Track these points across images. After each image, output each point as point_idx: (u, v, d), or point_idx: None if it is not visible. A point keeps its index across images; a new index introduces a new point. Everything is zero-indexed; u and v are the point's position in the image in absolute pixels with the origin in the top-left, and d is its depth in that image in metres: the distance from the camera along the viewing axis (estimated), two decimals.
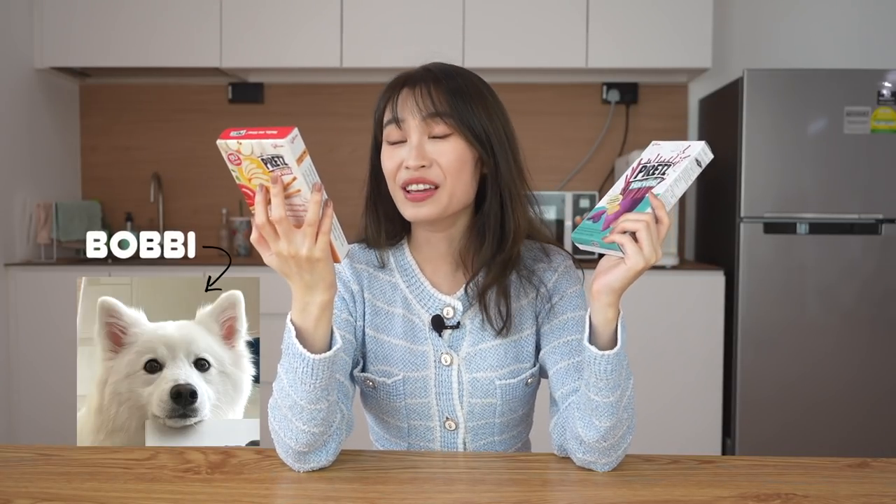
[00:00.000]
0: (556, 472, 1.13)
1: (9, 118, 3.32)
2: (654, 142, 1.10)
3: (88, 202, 3.64)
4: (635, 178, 1.07)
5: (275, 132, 0.93)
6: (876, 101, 3.02)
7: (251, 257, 3.68)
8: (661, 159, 1.06)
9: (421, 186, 1.17)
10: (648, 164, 1.07)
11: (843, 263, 3.07)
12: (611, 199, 1.08)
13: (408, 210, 1.19)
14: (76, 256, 3.60)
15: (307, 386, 1.05)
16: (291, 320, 1.07)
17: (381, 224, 1.27)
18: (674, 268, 3.20)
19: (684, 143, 1.05)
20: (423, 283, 1.26)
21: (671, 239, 3.32)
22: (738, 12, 3.68)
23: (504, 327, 1.23)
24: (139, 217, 3.81)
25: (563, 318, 1.25)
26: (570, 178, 3.74)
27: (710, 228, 3.54)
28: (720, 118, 3.39)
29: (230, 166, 0.98)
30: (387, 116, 1.20)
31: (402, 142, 1.19)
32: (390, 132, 1.20)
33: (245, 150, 0.95)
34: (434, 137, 1.18)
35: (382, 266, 1.28)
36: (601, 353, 1.05)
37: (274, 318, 3.37)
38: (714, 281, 3.16)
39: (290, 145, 0.94)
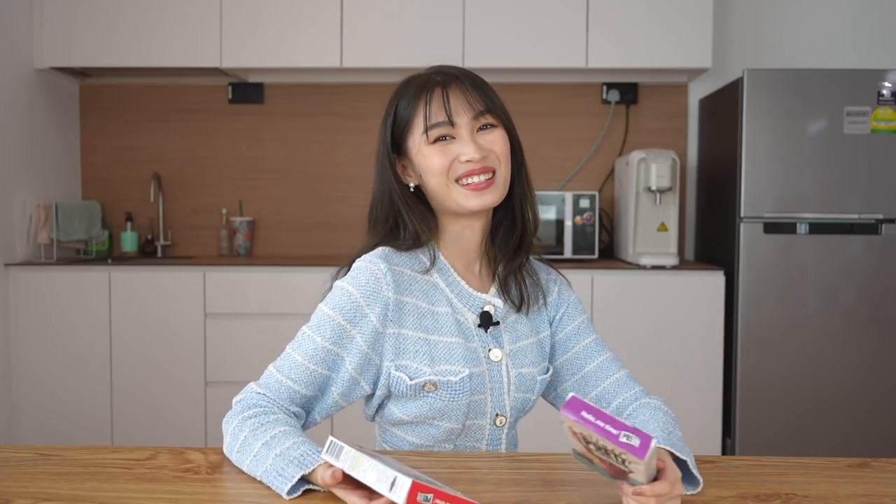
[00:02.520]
0: (556, 471, 1.13)
1: (9, 118, 3.32)
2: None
3: (88, 202, 3.64)
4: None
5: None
6: (876, 101, 3.02)
7: (250, 257, 3.68)
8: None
9: (482, 177, 1.22)
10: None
11: (843, 263, 3.07)
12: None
13: (472, 201, 1.22)
14: (76, 256, 3.60)
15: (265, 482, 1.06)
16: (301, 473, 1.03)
17: (426, 218, 1.27)
18: (674, 268, 3.20)
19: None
20: (460, 282, 1.29)
21: (671, 238, 3.32)
22: (738, 12, 3.68)
23: (523, 303, 1.30)
24: (139, 217, 3.80)
25: (575, 324, 1.36)
26: (570, 178, 3.74)
27: (710, 228, 3.54)
28: (720, 118, 3.39)
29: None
30: (435, 118, 1.21)
31: (450, 138, 1.22)
32: (437, 131, 1.22)
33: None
34: (482, 130, 1.24)
35: (430, 267, 1.26)
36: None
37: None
38: (714, 281, 3.16)
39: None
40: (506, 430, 1.29)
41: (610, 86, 3.71)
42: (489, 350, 1.26)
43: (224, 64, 3.40)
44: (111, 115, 3.83)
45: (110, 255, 3.71)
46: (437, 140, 1.22)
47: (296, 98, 3.78)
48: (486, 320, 1.27)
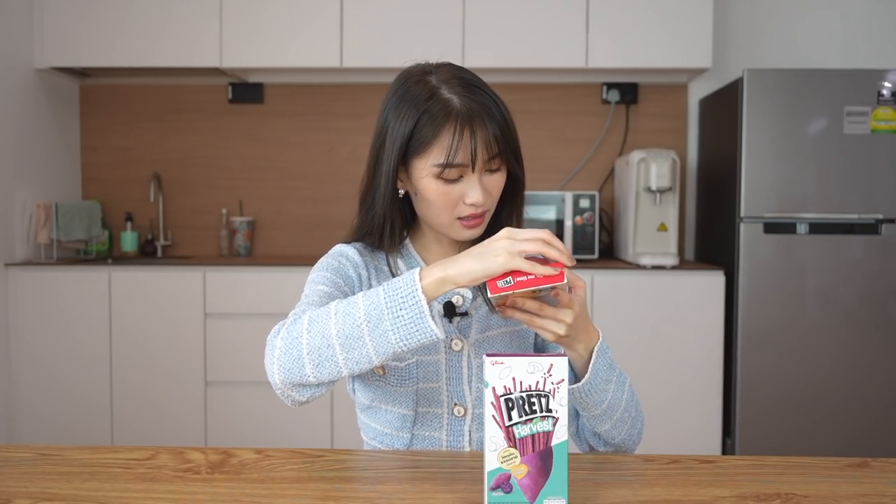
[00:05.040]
0: None
1: (9, 118, 3.32)
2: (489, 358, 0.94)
3: (88, 202, 3.64)
4: (513, 422, 0.94)
5: (552, 272, 1.04)
6: (876, 101, 3.02)
7: (251, 257, 3.68)
8: (527, 387, 0.94)
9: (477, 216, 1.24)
10: (513, 397, 0.94)
11: (843, 263, 3.07)
12: (504, 457, 0.95)
13: (464, 233, 1.25)
14: (76, 256, 3.60)
15: (399, 345, 1.03)
16: (422, 286, 1.04)
17: (396, 231, 1.29)
18: (674, 268, 3.20)
19: (540, 360, 0.94)
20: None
21: (671, 238, 3.32)
22: (738, 12, 3.68)
23: None
24: (139, 217, 3.81)
25: None
26: (571, 178, 3.74)
27: (710, 228, 3.54)
28: (720, 118, 3.39)
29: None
30: (459, 159, 1.18)
31: (459, 177, 1.21)
32: (452, 173, 1.19)
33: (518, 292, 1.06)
34: (489, 171, 1.23)
35: (391, 272, 1.30)
36: (572, 386, 1.18)
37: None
38: (714, 281, 3.16)
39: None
40: (469, 422, 1.29)
41: (610, 86, 3.71)
42: (451, 340, 1.28)
43: (224, 64, 3.40)
44: (111, 115, 3.83)
45: (110, 255, 3.71)
46: (454, 179, 1.20)
47: (295, 98, 3.78)
48: (450, 310, 1.28)
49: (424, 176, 1.21)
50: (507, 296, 1.07)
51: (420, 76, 1.24)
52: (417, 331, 1.02)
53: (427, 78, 1.23)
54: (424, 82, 1.22)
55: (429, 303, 1.03)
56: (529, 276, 1.03)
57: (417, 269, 1.05)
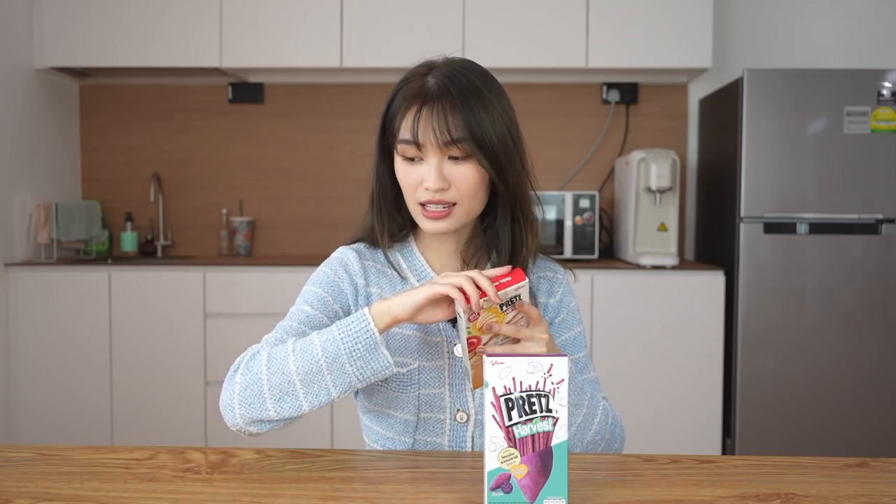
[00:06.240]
0: None
1: (9, 118, 3.32)
2: (489, 359, 0.94)
3: (88, 202, 3.64)
4: (512, 422, 0.94)
5: (509, 278, 1.09)
6: (876, 101, 3.02)
7: (251, 257, 3.68)
8: (527, 387, 0.94)
9: (440, 207, 1.20)
10: (513, 397, 0.94)
11: (843, 263, 3.08)
12: (504, 457, 0.95)
13: (426, 224, 1.23)
14: (76, 256, 3.60)
15: (355, 376, 1.09)
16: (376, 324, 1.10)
17: (385, 225, 1.29)
18: (674, 268, 3.20)
19: (539, 360, 0.94)
20: (432, 277, 1.29)
21: (671, 238, 3.32)
22: (738, 12, 3.68)
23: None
24: (139, 217, 3.81)
25: (571, 334, 1.34)
26: (570, 178, 3.74)
27: (710, 228, 3.54)
28: (720, 118, 3.39)
29: (467, 325, 1.08)
30: (404, 134, 1.19)
31: (419, 159, 1.20)
32: (407, 150, 1.20)
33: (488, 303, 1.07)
34: (452, 158, 1.20)
35: (394, 269, 1.30)
36: None
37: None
38: (714, 281, 3.16)
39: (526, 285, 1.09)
40: (471, 428, 1.27)
41: (610, 86, 3.71)
42: (454, 345, 1.26)
43: (224, 64, 3.40)
44: (111, 115, 3.83)
45: (110, 255, 3.71)
46: (411, 158, 1.21)
47: (296, 98, 3.78)
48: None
49: (397, 155, 1.23)
50: (482, 346, 1.12)
51: (421, 66, 1.24)
52: (372, 359, 1.09)
53: (423, 67, 1.23)
54: (420, 69, 1.23)
55: (381, 333, 1.09)
56: (504, 280, 1.08)
57: (367, 307, 1.11)
